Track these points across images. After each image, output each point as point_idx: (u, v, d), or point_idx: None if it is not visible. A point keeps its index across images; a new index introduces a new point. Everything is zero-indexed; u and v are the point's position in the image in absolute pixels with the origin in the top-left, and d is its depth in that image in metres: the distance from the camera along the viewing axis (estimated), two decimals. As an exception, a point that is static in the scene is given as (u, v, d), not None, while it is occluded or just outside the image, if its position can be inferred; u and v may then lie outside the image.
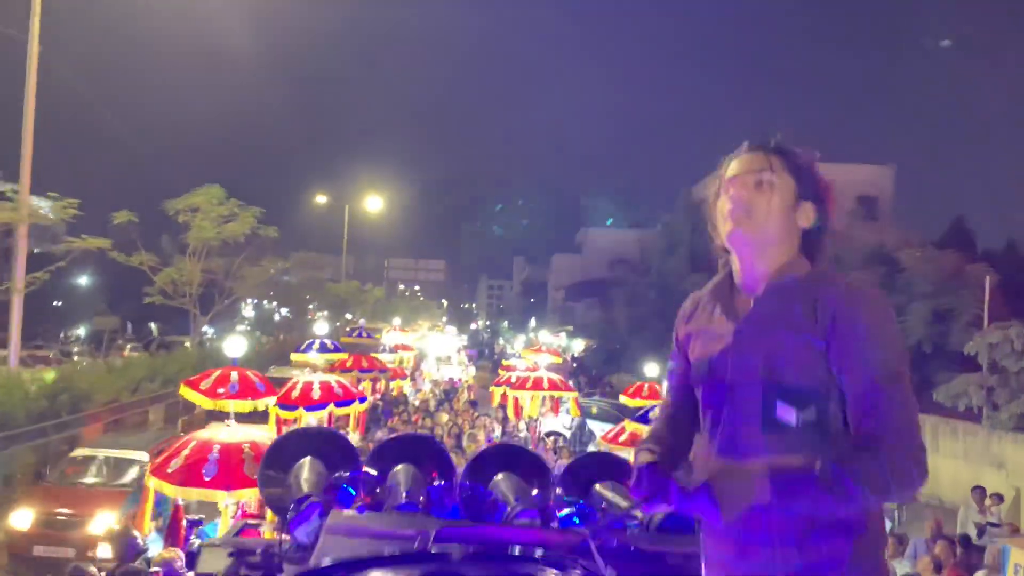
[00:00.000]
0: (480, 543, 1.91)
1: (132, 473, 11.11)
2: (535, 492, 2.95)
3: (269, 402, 7.73)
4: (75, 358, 29.81)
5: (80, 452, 11.89)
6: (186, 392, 7.34)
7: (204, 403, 7.22)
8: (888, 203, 33.86)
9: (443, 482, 2.99)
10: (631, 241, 49.62)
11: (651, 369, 13.76)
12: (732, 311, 1.94)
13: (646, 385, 12.48)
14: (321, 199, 46.23)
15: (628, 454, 10.07)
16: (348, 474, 2.95)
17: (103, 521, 9.60)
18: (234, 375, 7.25)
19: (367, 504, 2.98)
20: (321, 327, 14.66)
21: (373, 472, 2.96)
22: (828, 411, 1.79)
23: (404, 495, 2.43)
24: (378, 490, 2.92)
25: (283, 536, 2.21)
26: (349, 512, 2.12)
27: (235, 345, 7.72)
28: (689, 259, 32.38)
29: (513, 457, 3.02)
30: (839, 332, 1.77)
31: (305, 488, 2.45)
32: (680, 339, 2.12)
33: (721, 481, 1.67)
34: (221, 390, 7.17)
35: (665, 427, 2.06)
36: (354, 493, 2.98)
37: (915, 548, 9.57)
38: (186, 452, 6.78)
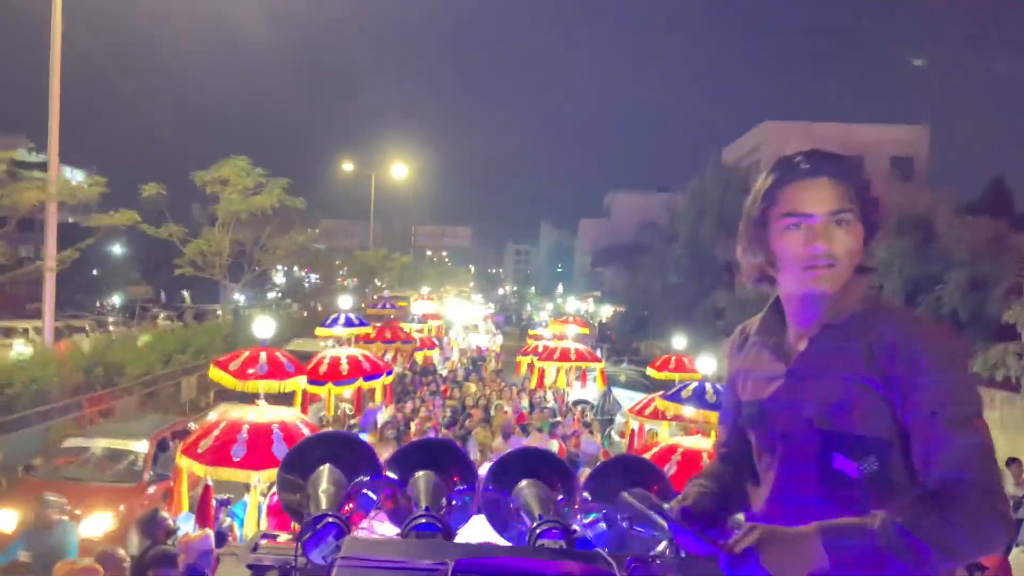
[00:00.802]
0: None
1: (130, 464, 10.12)
2: (560, 498, 2.88)
3: (299, 382, 7.72)
4: (110, 328, 30.28)
5: (72, 442, 10.74)
6: (215, 373, 7.35)
7: (233, 384, 7.23)
8: (923, 164, 32.96)
9: (464, 486, 2.92)
10: (659, 205, 49.06)
11: (678, 342, 13.55)
12: (782, 351, 1.75)
13: (673, 358, 12.30)
14: (347, 167, 46.19)
15: (655, 426, 9.96)
16: (368, 479, 2.90)
17: (98, 523, 8.65)
18: (263, 355, 7.24)
19: (388, 510, 2.93)
20: (345, 301, 14.61)
21: (393, 476, 2.90)
22: (892, 461, 1.61)
23: (423, 509, 2.35)
24: (398, 496, 2.86)
25: (299, 551, 2.15)
26: (364, 539, 2.05)
27: (264, 326, 7.67)
28: (718, 223, 31.92)
29: (538, 462, 2.93)
30: (899, 372, 1.59)
31: (323, 503, 2.39)
32: (731, 374, 1.94)
33: (771, 544, 1.49)
34: (251, 371, 7.17)
35: (720, 466, 1.90)
36: (375, 498, 2.93)
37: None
38: (216, 432, 6.81)
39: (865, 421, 1.61)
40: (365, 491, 2.94)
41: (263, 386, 7.08)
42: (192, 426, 11.15)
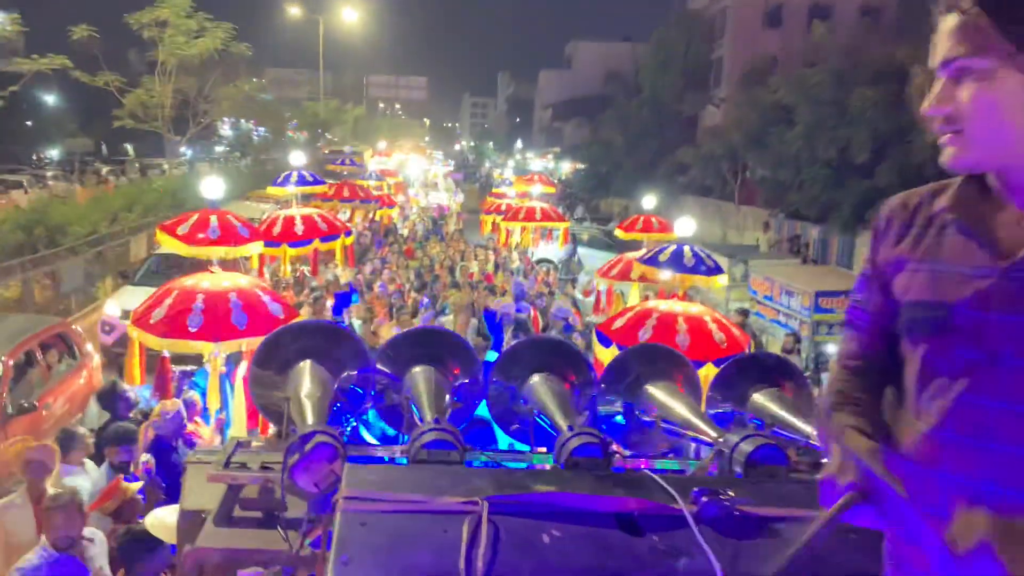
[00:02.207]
0: (543, 509, 1.47)
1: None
2: (576, 392, 2.54)
3: (253, 249, 7.18)
4: (50, 183, 28.81)
5: None
6: (163, 238, 6.75)
7: (182, 250, 6.68)
8: (893, 11, 31.92)
9: (467, 380, 2.56)
10: (623, 55, 47.40)
11: (648, 201, 13.14)
12: (993, 239, 1.23)
13: (641, 219, 11.92)
14: (294, 11, 43.31)
15: (624, 288, 9.72)
16: (356, 373, 2.52)
17: None
18: (214, 219, 6.63)
19: (382, 408, 2.56)
20: (298, 157, 13.78)
21: (384, 369, 2.52)
22: None
23: (432, 421, 1.98)
24: (392, 393, 2.49)
25: (285, 475, 1.78)
26: (368, 469, 1.67)
27: (213, 185, 6.99)
28: (682, 75, 30.97)
29: (549, 352, 2.57)
30: None
31: (309, 415, 2.00)
32: (880, 264, 1.39)
33: (1013, 544, 1.08)
34: (201, 235, 6.61)
35: (861, 388, 1.36)
36: (362, 392, 2.56)
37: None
38: (169, 301, 6.32)
39: None
40: (353, 387, 2.58)
41: (214, 252, 6.54)
42: (78, 329, 9.61)
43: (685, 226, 7.77)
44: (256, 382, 2.47)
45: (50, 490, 4.86)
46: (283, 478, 1.79)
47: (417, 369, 2.42)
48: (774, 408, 2.39)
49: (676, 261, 7.20)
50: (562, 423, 2.04)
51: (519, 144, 73.25)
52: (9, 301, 12.42)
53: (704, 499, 1.52)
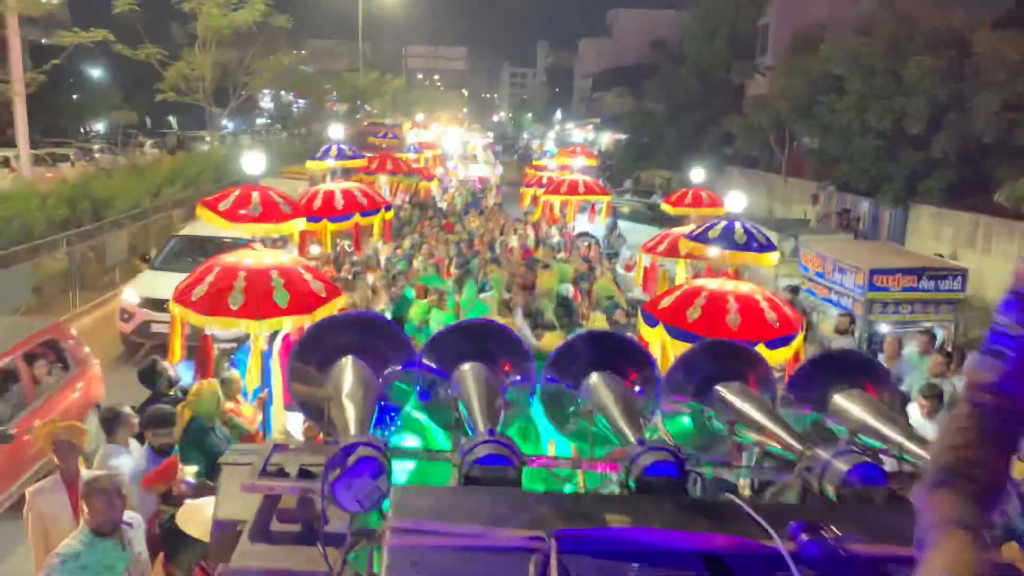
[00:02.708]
0: (617, 549, 1.28)
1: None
2: (637, 390, 2.34)
3: (296, 225, 7.06)
4: (96, 156, 29.17)
5: None
6: (204, 214, 6.65)
7: (224, 225, 6.59)
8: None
9: (519, 377, 2.37)
10: (667, 23, 46.36)
11: (696, 175, 12.64)
12: None
13: (689, 192, 11.52)
14: (333, -19, 43.05)
15: (670, 265, 9.37)
16: (400, 368, 2.34)
17: None
18: (255, 195, 6.52)
19: (427, 404, 2.39)
20: (336, 130, 13.64)
21: (431, 365, 2.34)
22: None
23: (486, 432, 1.80)
24: (439, 390, 2.32)
25: (325, 491, 1.61)
26: (417, 490, 1.49)
27: (254, 161, 6.84)
28: (729, 43, 30.06)
29: (608, 348, 2.36)
30: None
31: (352, 423, 1.83)
32: None
33: None
34: (242, 211, 6.50)
35: (988, 441, 1.10)
36: (408, 389, 2.39)
37: (976, 363, 9.13)
38: (210, 279, 6.24)
39: None
40: (398, 383, 2.41)
41: (256, 230, 6.43)
42: (73, 332, 8.38)
43: (736, 201, 7.42)
44: (295, 377, 2.31)
45: (85, 472, 4.83)
46: (323, 491, 1.63)
47: (466, 367, 2.24)
48: (860, 412, 2.16)
49: (727, 238, 6.90)
50: (629, 433, 1.84)
51: (558, 115, 72.39)
52: (56, 274, 12.56)
53: (804, 536, 1.32)
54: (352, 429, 1.82)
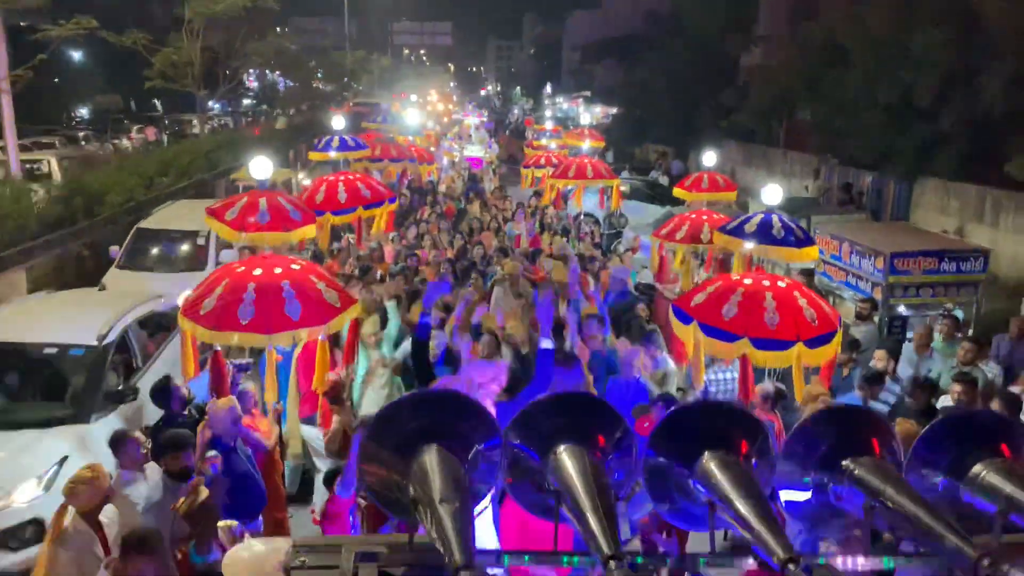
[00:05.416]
0: None
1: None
2: (753, 461, 2.08)
3: (306, 232, 6.74)
4: (82, 144, 28.57)
5: None
6: (212, 223, 6.36)
7: (232, 236, 6.27)
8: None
9: (615, 451, 2.11)
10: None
11: (709, 159, 12.17)
12: None
13: (705, 176, 11.14)
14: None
15: (671, 248, 8.94)
16: (484, 447, 2.08)
17: None
18: (263, 202, 6.20)
19: (513, 485, 2.13)
20: (339, 122, 13.27)
21: (523, 446, 2.07)
22: None
23: (605, 547, 1.54)
24: (534, 476, 2.06)
25: None
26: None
27: (261, 166, 6.48)
28: (726, 12, 29.44)
29: (717, 419, 2.10)
30: None
31: (454, 547, 1.59)
32: None
33: None
34: (251, 219, 6.18)
35: None
36: (499, 474, 2.12)
37: (999, 348, 8.93)
38: (219, 290, 5.96)
39: None
40: (484, 464, 2.15)
41: (265, 239, 6.12)
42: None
43: (772, 193, 7.11)
44: (369, 460, 2.04)
45: (108, 513, 4.58)
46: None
47: (563, 451, 1.97)
48: (1013, 487, 1.91)
49: (764, 232, 6.62)
50: (772, 543, 1.58)
51: (548, 89, 71.60)
52: (51, 274, 12.19)
53: None
54: (456, 554, 1.56)
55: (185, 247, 11.72)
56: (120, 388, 6.79)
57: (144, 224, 12.18)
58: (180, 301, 9.23)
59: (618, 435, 2.10)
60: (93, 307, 7.60)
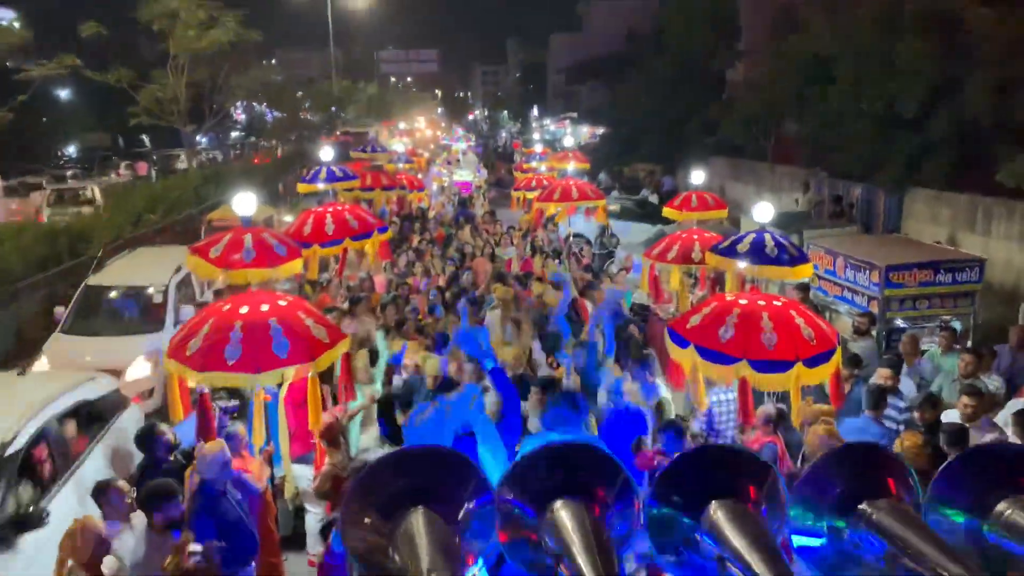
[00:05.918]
0: None
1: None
2: (763, 509, 1.94)
3: (293, 268, 6.61)
4: (70, 182, 28.47)
5: None
6: (194, 262, 6.22)
7: (216, 275, 6.14)
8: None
9: (617, 504, 1.97)
10: (639, 10, 45.95)
11: (697, 177, 12.08)
12: None
13: (694, 196, 11.04)
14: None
15: (663, 268, 8.83)
16: (475, 504, 1.94)
17: None
18: (247, 239, 6.08)
19: (507, 543, 1.99)
20: (327, 152, 13.19)
21: (517, 501, 1.94)
22: None
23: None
24: (527, 533, 1.92)
25: None
26: None
27: (245, 202, 6.34)
28: (711, 29, 29.57)
29: (723, 469, 1.96)
30: None
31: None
32: None
33: None
34: (235, 256, 6.05)
35: None
36: (492, 533, 1.98)
37: (1000, 361, 8.76)
38: (205, 330, 5.81)
39: None
40: (475, 522, 2.01)
41: (250, 276, 5.98)
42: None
43: (764, 212, 7.02)
44: (352, 524, 1.89)
45: (109, 565, 4.43)
46: None
47: (560, 506, 1.83)
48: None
49: (757, 251, 6.51)
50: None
51: (535, 111, 71.93)
52: (37, 316, 11.99)
53: None
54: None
55: (140, 306, 10.47)
56: (30, 510, 5.36)
57: (93, 280, 10.71)
58: (128, 377, 8.91)
59: (618, 485, 1.96)
60: None
